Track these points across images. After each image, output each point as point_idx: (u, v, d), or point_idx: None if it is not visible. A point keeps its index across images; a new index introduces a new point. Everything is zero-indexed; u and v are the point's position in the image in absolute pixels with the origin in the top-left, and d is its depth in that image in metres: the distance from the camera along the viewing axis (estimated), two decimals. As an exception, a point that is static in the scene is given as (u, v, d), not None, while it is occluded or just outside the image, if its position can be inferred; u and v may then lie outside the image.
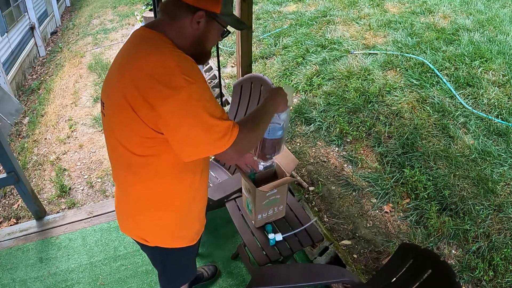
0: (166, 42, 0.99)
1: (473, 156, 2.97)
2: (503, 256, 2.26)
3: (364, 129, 3.34)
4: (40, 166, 3.56)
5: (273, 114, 1.21)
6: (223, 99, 3.68)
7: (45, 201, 3.02)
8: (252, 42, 2.74)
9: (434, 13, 5.53)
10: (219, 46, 4.16)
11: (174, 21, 1.01)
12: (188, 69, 0.94)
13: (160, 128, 0.96)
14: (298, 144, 3.31)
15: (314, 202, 2.71)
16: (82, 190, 3.15)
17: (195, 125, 0.94)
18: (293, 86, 4.06)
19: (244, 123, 1.05)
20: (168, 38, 1.01)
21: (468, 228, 2.43)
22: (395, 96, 3.71)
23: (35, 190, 2.78)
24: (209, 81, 4.38)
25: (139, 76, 0.94)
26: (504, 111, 3.43)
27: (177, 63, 0.94)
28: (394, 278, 1.41)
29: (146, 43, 1.00)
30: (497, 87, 3.76)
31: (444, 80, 3.89)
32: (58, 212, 2.82)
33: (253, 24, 2.93)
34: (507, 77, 3.88)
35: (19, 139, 4.23)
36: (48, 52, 7.30)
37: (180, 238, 1.29)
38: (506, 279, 2.15)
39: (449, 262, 2.27)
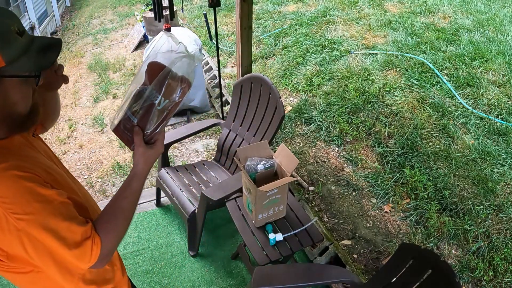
0: None
1: (473, 156, 2.97)
2: (503, 256, 2.26)
3: (364, 129, 3.34)
4: (40, 166, 3.56)
5: (140, 189, 0.94)
6: (223, 99, 3.68)
7: (45, 201, 3.01)
8: (252, 42, 2.75)
9: (434, 13, 5.53)
10: (219, 46, 4.16)
11: None
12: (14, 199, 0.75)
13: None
14: (298, 144, 3.31)
15: (314, 202, 2.72)
16: (82, 190, 3.15)
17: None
18: (293, 86, 4.06)
19: (103, 227, 0.87)
20: None
21: (468, 228, 2.43)
22: (395, 96, 3.72)
23: (35, 190, 2.77)
24: (209, 81, 4.38)
25: None
26: (504, 111, 3.43)
27: None
28: (394, 278, 1.41)
29: None
30: (497, 87, 3.76)
31: (444, 80, 3.89)
32: (58, 212, 2.81)
33: (253, 24, 2.93)
34: (507, 77, 3.88)
35: (19, 139, 4.22)
36: (48, 52, 7.28)
37: None
38: (506, 279, 2.15)
39: (449, 262, 2.27)
